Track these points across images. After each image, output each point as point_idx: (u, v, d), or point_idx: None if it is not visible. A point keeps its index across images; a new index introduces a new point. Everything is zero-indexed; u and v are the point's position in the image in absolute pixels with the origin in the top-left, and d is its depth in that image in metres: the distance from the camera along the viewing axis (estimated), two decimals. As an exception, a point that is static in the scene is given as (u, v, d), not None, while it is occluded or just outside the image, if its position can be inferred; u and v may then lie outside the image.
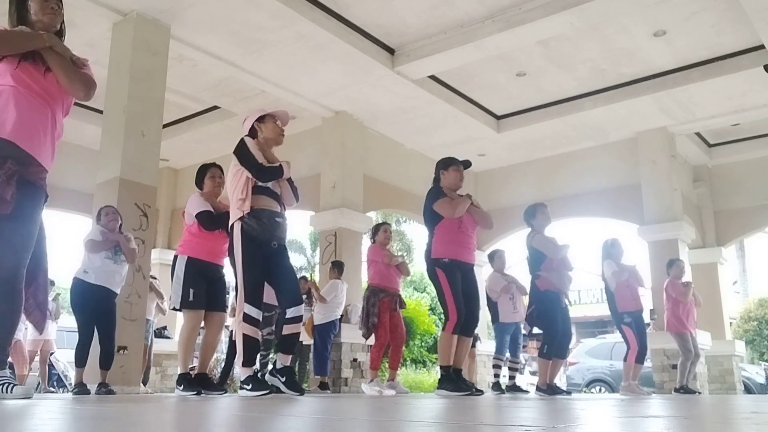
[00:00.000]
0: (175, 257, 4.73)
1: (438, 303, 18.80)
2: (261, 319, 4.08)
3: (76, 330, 5.37)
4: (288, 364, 4.23)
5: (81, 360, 5.35)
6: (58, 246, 10.86)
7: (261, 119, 4.28)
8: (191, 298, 4.55)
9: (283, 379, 4.10)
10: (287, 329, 4.17)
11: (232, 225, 4.06)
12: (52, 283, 7.19)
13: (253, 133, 4.28)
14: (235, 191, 4.05)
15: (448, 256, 4.90)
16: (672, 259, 8.17)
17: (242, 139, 4.17)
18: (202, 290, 4.60)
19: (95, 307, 5.29)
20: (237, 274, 4.05)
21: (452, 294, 4.84)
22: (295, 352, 8.69)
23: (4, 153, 2.72)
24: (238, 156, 4.10)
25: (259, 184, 4.08)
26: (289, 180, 4.25)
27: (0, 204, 2.67)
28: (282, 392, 4.11)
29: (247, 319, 3.97)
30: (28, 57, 2.84)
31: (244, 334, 3.97)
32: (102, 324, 5.34)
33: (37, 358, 9.39)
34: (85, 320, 5.31)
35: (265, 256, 4.05)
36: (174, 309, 4.78)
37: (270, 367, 5.56)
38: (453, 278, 4.87)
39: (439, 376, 5.12)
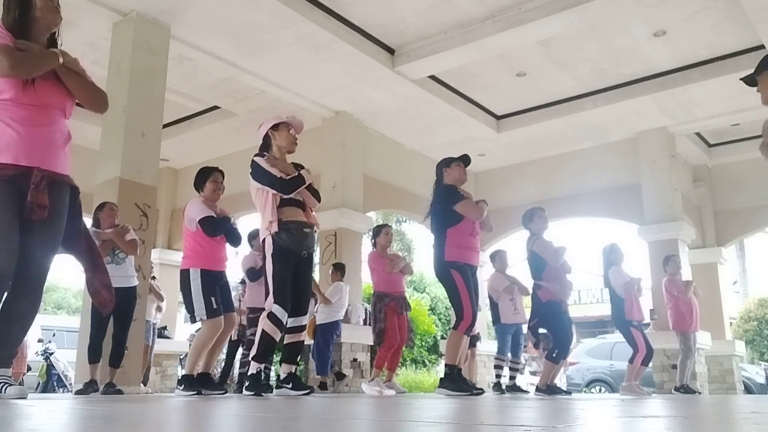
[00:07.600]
0: (185, 271, 4.67)
1: (437, 303, 18.77)
2: (285, 321, 4.22)
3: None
4: (292, 372, 4.38)
5: (96, 355, 5.36)
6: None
7: (275, 127, 4.39)
8: (215, 306, 4.61)
9: (290, 386, 4.27)
10: (287, 338, 4.34)
11: (263, 239, 4.25)
12: None
13: (266, 140, 4.41)
14: (264, 211, 4.21)
15: (462, 260, 4.96)
16: (668, 256, 8.16)
17: (253, 161, 4.28)
18: (219, 298, 4.68)
19: (115, 309, 5.31)
20: (267, 278, 4.24)
21: (468, 296, 4.91)
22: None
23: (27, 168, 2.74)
24: (256, 179, 4.24)
25: (284, 196, 4.20)
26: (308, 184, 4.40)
27: (39, 210, 2.73)
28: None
29: (272, 317, 4.17)
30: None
31: (263, 330, 4.17)
32: (120, 322, 5.37)
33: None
34: (100, 319, 5.30)
35: (294, 263, 4.24)
36: (200, 320, 4.66)
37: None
38: (468, 280, 4.95)
39: (442, 375, 5.13)
